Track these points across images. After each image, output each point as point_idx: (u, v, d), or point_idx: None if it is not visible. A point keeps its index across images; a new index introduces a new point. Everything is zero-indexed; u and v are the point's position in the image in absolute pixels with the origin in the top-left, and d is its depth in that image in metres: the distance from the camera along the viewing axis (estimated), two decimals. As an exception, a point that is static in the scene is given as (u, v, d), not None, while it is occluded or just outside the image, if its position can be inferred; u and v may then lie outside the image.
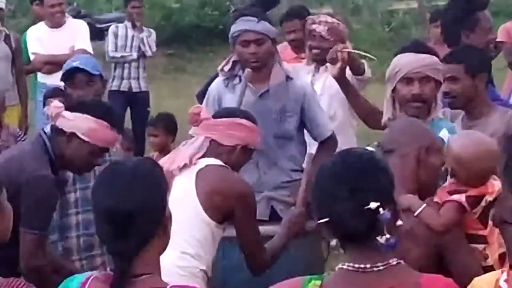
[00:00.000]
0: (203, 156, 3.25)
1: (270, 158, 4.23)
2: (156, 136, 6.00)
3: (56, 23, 7.44)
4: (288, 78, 4.32)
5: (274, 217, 4.11)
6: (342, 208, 1.99)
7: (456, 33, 4.25)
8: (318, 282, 2.06)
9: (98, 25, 8.18)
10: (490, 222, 2.99)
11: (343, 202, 1.99)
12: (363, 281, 2.02)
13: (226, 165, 3.24)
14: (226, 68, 4.32)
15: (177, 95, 10.12)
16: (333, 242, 3.37)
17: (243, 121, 3.37)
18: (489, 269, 2.88)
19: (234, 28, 4.31)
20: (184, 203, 3.06)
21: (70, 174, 3.80)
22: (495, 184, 2.99)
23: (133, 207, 2.04)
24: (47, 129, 3.41)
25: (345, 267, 2.04)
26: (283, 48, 6.36)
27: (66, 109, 3.30)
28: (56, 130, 3.30)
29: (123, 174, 2.13)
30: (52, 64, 7.08)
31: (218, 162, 3.21)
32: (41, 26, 7.52)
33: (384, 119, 3.67)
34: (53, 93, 5.61)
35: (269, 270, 3.44)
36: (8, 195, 2.41)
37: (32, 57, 7.28)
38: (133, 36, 7.87)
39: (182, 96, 8.43)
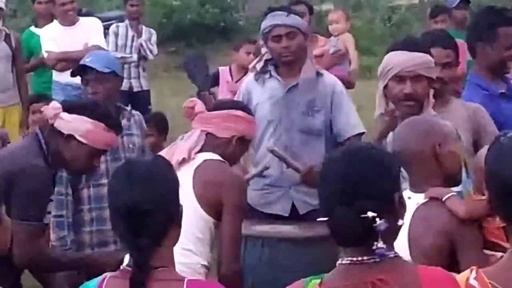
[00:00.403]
0: (201, 149, 3.25)
1: (294, 153, 4.16)
2: (151, 135, 6.00)
3: (69, 21, 7.42)
4: (318, 73, 4.31)
5: (294, 215, 4.10)
6: (340, 213, 2.01)
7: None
8: (318, 281, 2.08)
9: (105, 23, 8.10)
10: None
11: (342, 207, 2.01)
12: (361, 273, 2.04)
13: (223, 159, 3.24)
14: (259, 67, 4.31)
15: (179, 93, 10.03)
16: None
17: (239, 112, 3.37)
18: None
19: (265, 24, 4.30)
20: (183, 200, 3.01)
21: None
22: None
23: (151, 204, 2.08)
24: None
25: (343, 262, 2.06)
26: None
27: (64, 110, 3.29)
28: (53, 132, 3.29)
29: (139, 172, 2.16)
30: (65, 61, 7.05)
31: (216, 156, 3.22)
32: (55, 25, 7.49)
33: (377, 113, 3.68)
34: (38, 99, 5.62)
35: (292, 270, 3.44)
36: (1, 189, 2.40)
37: (45, 55, 7.23)
38: (133, 36, 7.88)
39: (183, 94, 8.40)
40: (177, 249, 2.97)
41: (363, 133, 4.41)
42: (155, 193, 2.13)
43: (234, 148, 3.32)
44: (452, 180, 3.01)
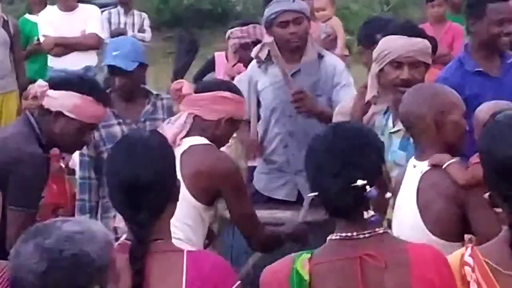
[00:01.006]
0: (189, 132, 3.21)
1: (300, 139, 4.13)
2: None
3: (69, 7, 7.44)
4: (319, 55, 4.29)
5: (300, 201, 4.04)
6: (330, 184, 2.05)
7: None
8: (308, 255, 2.09)
9: (101, 9, 8.10)
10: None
11: (332, 178, 2.05)
12: (349, 248, 2.06)
13: (211, 142, 3.20)
14: (263, 56, 4.28)
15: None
16: None
17: (226, 93, 3.31)
18: None
19: (270, 10, 4.25)
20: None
21: (103, 157, 3.81)
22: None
23: (151, 178, 2.11)
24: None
25: (333, 237, 2.10)
26: None
27: (51, 87, 3.25)
28: (43, 111, 3.26)
29: (138, 146, 2.19)
30: (62, 46, 7.12)
31: (203, 140, 3.18)
32: (53, 9, 7.54)
33: (369, 96, 3.66)
34: (31, 84, 5.60)
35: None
36: None
37: (42, 39, 7.26)
38: (125, 23, 7.86)
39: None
40: None
41: None
42: (154, 168, 2.14)
43: (223, 130, 3.28)
44: (455, 150, 3.00)
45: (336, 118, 3.51)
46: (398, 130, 3.41)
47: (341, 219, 2.11)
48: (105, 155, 3.81)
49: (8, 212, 3.04)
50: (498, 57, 4.16)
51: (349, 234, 2.07)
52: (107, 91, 4.19)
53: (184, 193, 3.06)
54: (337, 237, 2.09)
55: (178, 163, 3.04)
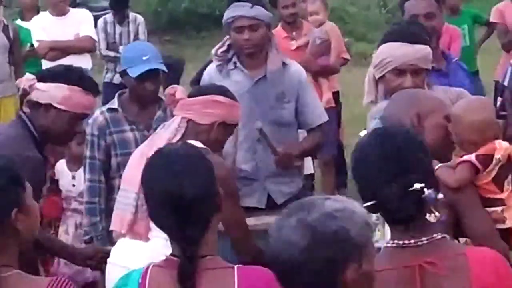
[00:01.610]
0: (183, 137, 3.19)
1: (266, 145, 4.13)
2: None
3: (60, 12, 7.47)
4: (284, 64, 4.24)
5: (271, 206, 4.08)
6: (388, 191, 2.03)
7: None
8: None
9: (94, 13, 8.10)
10: (508, 186, 3.00)
11: (388, 185, 2.03)
12: (408, 255, 2.05)
13: (206, 146, 3.12)
14: (220, 51, 4.21)
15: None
16: None
17: (219, 97, 3.29)
18: (507, 231, 2.91)
19: (228, 14, 4.19)
20: None
21: (114, 162, 3.87)
22: (504, 144, 3.02)
23: (195, 191, 2.09)
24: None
25: (389, 245, 2.09)
26: (275, 32, 6.42)
27: (39, 80, 3.25)
28: (33, 104, 3.26)
29: (179, 160, 2.17)
30: (56, 50, 7.16)
31: (198, 144, 3.08)
32: (46, 15, 7.57)
33: (366, 101, 3.65)
34: None
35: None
36: None
37: (36, 45, 7.29)
38: (121, 33, 7.84)
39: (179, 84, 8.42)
40: (162, 240, 2.81)
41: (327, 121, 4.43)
42: (199, 182, 2.13)
43: (217, 134, 3.25)
44: (438, 153, 2.91)
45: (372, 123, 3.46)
46: None
47: (397, 226, 2.09)
48: (117, 159, 3.89)
49: None
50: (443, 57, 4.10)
51: (407, 241, 2.06)
52: (119, 94, 4.21)
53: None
54: (393, 245, 2.08)
55: None
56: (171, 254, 2.11)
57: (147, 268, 2.12)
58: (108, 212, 3.83)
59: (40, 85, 3.23)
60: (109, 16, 8.02)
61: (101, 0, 11.60)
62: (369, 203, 2.05)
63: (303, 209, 1.72)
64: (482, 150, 2.91)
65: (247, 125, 3.89)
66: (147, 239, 3.13)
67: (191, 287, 2.02)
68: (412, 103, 2.92)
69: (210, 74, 4.29)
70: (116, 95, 4.19)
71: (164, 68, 4.12)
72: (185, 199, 2.07)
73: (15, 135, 3.23)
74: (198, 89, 3.59)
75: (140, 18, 8.20)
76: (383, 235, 2.79)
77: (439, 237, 2.08)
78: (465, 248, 2.18)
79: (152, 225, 3.08)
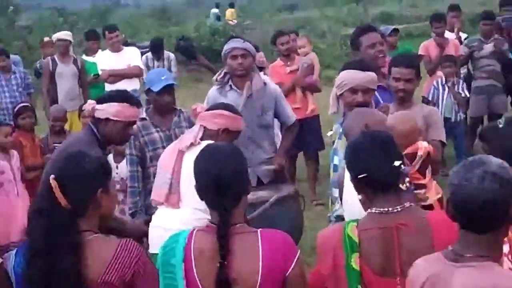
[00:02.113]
0: (202, 138, 3.21)
1: (256, 142, 4.21)
2: None
3: (116, 49, 7.47)
4: (265, 83, 4.28)
5: (260, 184, 4.10)
6: (379, 166, 2.06)
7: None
8: (354, 224, 2.07)
9: (140, 50, 8.10)
10: (428, 174, 3.05)
11: (380, 162, 2.06)
12: (387, 219, 2.03)
13: None
14: (219, 78, 4.26)
15: (196, 100, 9.82)
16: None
17: (223, 111, 3.32)
18: (429, 207, 2.96)
19: (226, 46, 4.25)
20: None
21: (147, 156, 3.83)
22: (424, 144, 3.06)
23: (231, 176, 2.04)
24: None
25: (373, 211, 2.07)
26: (275, 63, 6.63)
27: (98, 102, 3.27)
28: (96, 120, 3.28)
29: (220, 152, 2.14)
30: (114, 76, 7.14)
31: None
32: (106, 52, 7.56)
33: (331, 111, 3.63)
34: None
35: (272, 219, 3.40)
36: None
37: (100, 72, 7.28)
38: (158, 67, 7.72)
39: (199, 101, 8.39)
40: (190, 209, 3.01)
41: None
42: (234, 167, 2.08)
43: (222, 138, 3.23)
44: None
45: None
46: None
47: (380, 196, 2.08)
48: (149, 154, 3.84)
49: None
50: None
51: (386, 209, 2.04)
52: (146, 108, 4.22)
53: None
54: (377, 211, 2.06)
55: None
56: (211, 222, 2.05)
57: (193, 230, 2.07)
58: (145, 193, 3.82)
59: (99, 106, 3.25)
60: (149, 54, 7.96)
61: (144, 41, 11.54)
62: (361, 176, 2.06)
63: (482, 163, 1.65)
64: (409, 150, 2.94)
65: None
66: (178, 207, 3.12)
67: (225, 245, 1.95)
68: (363, 117, 2.90)
69: (213, 95, 4.30)
70: (144, 109, 4.20)
71: (176, 83, 4.11)
72: (222, 181, 2.03)
73: (86, 139, 3.25)
74: (211, 105, 3.57)
75: (172, 55, 8.11)
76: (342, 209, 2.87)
77: (408, 205, 2.07)
78: (427, 213, 2.16)
79: (181, 197, 3.13)
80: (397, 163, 2.07)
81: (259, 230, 2.04)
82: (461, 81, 6.59)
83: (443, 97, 6.49)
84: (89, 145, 3.16)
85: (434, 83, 6.61)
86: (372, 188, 2.08)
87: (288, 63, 6.40)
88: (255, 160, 4.13)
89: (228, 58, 4.20)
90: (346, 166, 2.19)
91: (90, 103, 3.29)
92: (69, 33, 7.61)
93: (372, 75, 3.39)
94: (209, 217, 3.05)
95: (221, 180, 2.02)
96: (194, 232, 2.05)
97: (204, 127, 3.25)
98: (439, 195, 3.11)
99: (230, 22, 21.80)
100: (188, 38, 7.54)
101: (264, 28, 19.16)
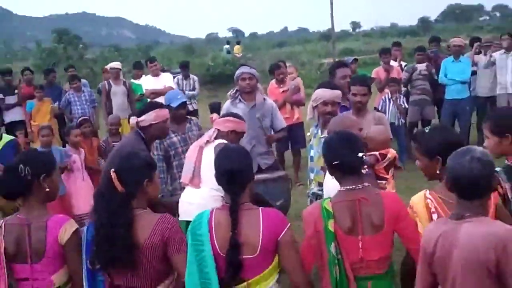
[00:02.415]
0: (216, 137, 3.18)
1: (257, 139, 4.15)
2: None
3: (156, 75, 7.40)
4: (264, 99, 4.25)
5: (259, 170, 4.05)
6: (349, 156, 2.03)
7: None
8: (328, 199, 2.06)
9: (173, 75, 8.08)
10: (391, 173, 2.98)
11: (350, 153, 2.04)
12: (351, 194, 2.02)
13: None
14: (231, 93, 4.24)
15: (207, 110, 9.91)
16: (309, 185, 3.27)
17: (231, 118, 3.28)
18: None
19: (238, 71, 4.23)
20: (210, 163, 2.95)
21: (171, 154, 3.71)
22: (393, 151, 2.99)
23: (239, 169, 2.02)
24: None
25: (342, 189, 2.05)
26: (271, 84, 6.57)
27: (140, 115, 3.23)
28: (141, 127, 3.21)
29: (233, 152, 2.11)
30: (155, 94, 7.03)
31: (224, 141, 3.11)
32: (149, 77, 7.47)
33: (308, 117, 3.65)
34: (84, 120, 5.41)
35: (272, 193, 3.38)
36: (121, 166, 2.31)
37: (144, 91, 7.21)
38: (185, 85, 7.68)
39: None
40: (208, 189, 2.96)
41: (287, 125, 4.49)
42: (243, 163, 2.06)
43: (231, 137, 3.19)
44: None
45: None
46: (325, 136, 3.34)
47: (347, 177, 2.06)
48: (172, 153, 3.73)
49: None
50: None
51: (351, 187, 2.03)
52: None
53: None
54: (345, 189, 2.04)
55: (213, 151, 2.99)
56: (225, 202, 2.04)
57: (213, 210, 2.05)
58: (171, 181, 3.76)
59: (140, 118, 3.20)
60: (179, 76, 7.91)
61: (176, 68, 11.54)
62: (334, 162, 2.05)
63: (470, 151, 1.73)
64: (382, 151, 2.90)
65: (249, 130, 3.85)
66: (199, 187, 3.09)
67: (236, 218, 1.94)
68: (341, 123, 2.90)
69: (227, 105, 4.28)
70: None
71: (196, 98, 4.07)
72: (234, 171, 2.02)
73: (135, 140, 3.21)
74: (223, 115, 3.54)
75: (195, 77, 8.03)
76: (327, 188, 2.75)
77: (367, 184, 2.06)
78: (379, 191, 2.13)
79: (201, 180, 3.08)
80: (360, 154, 2.04)
81: (260, 208, 2.02)
82: (402, 96, 6.57)
83: (389, 107, 6.47)
84: (138, 143, 3.14)
85: (383, 97, 6.59)
86: (342, 172, 2.06)
87: (281, 85, 6.39)
88: (256, 152, 4.08)
89: (239, 79, 4.16)
90: (323, 156, 2.15)
91: (133, 119, 3.24)
92: (119, 63, 7.51)
93: (337, 92, 3.38)
94: (221, 194, 3.03)
95: (232, 173, 2.00)
96: (214, 210, 2.04)
97: (218, 130, 3.22)
98: (393, 190, 3.04)
99: (237, 55, 21.77)
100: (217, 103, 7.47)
101: (262, 59, 19.20)
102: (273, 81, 6.55)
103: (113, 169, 2.03)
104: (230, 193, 2.00)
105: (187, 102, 4.87)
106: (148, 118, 3.20)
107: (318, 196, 3.15)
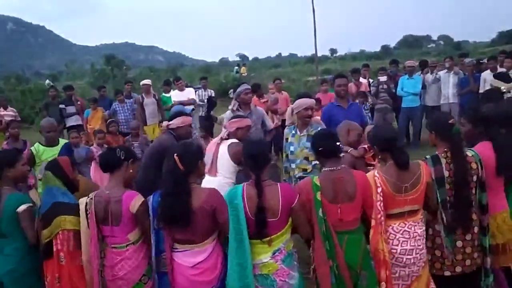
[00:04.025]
0: (228, 137, 3.09)
1: (256, 136, 3.95)
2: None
3: (181, 89, 7.30)
4: (256, 107, 4.14)
5: None
6: (331, 144, 2.09)
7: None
8: (317, 176, 2.10)
9: (194, 89, 8.04)
10: (376, 161, 2.91)
11: (333, 143, 2.10)
12: (332, 173, 2.07)
13: (238, 140, 3.04)
14: (235, 107, 4.04)
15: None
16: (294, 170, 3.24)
17: (234, 119, 3.17)
18: None
19: (241, 88, 4.07)
20: (224, 157, 2.95)
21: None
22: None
23: (261, 154, 2.08)
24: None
25: (325, 169, 2.10)
26: (254, 99, 6.35)
27: (169, 120, 3.20)
28: (172, 129, 3.19)
29: (256, 142, 2.17)
30: (181, 104, 6.88)
31: (235, 140, 3.05)
32: (176, 91, 7.36)
33: (288, 122, 3.61)
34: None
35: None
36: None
37: (173, 102, 7.10)
38: (204, 95, 7.65)
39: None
40: (221, 177, 2.89)
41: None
42: (264, 149, 2.12)
43: (238, 133, 3.07)
44: (355, 145, 2.92)
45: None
46: (304, 135, 3.29)
47: (330, 160, 2.10)
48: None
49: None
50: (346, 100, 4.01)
51: (333, 168, 2.09)
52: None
53: (229, 160, 2.94)
54: (327, 169, 2.10)
55: (227, 147, 2.96)
56: (252, 179, 2.07)
57: (244, 185, 2.09)
58: None
59: (171, 122, 3.19)
60: (200, 91, 7.85)
61: (197, 84, 11.50)
62: (321, 149, 2.10)
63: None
64: (366, 145, 2.88)
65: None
66: (215, 176, 3.02)
67: (261, 190, 2.00)
68: (345, 125, 2.95)
69: (226, 115, 4.13)
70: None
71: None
72: (257, 157, 2.06)
73: (169, 138, 3.17)
74: (229, 119, 3.44)
75: (212, 91, 8.02)
76: (318, 170, 2.73)
77: (343, 166, 2.12)
78: (352, 170, 2.17)
79: (218, 170, 2.99)
80: (338, 143, 2.12)
81: (278, 184, 2.07)
82: (367, 104, 6.54)
83: (359, 114, 6.48)
84: (171, 141, 3.12)
85: (354, 106, 6.56)
86: (325, 157, 2.12)
87: (261, 99, 6.40)
88: None
89: (242, 94, 4.04)
90: (311, 145, 2.21)
91: (165, 123, 3.23)
92: (149, 80, 7.41)
93: (313, 100, 3.38)
94: (232, 181, 2.95)
95: (256, 157, 2.05)
96: (244, 185, 2.09)
97: (228, 130, 3.17)
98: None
99: (243, 74, 21.72)
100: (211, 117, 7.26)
101: (262, 77, 19.08)
102: (254, 96, 6.48)
103: (176, 153, 2.08)
104: (255, 172, 2.06)
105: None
106: (176, 122, 3.19)
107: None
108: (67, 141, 4.23)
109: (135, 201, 2.16)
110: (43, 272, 2.24)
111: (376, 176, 2.11)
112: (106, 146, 4.76)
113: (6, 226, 2.29)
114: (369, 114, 6.50)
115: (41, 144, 3.87)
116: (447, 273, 2.23)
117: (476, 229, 2.23)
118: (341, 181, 2.05)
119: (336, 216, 2.04)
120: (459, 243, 2.21)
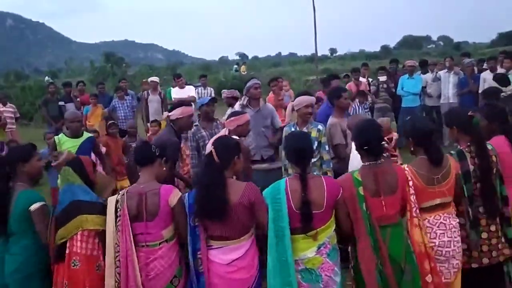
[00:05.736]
0: (228, 134, 3.05)
1: (261, 135, 4.03)
2: None
3: (181, 87, 7.29)
4: (266, 104, 4.16)
5: (262, 159, 3.98)
6: (376, 142, 2.06)
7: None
8: (357, 171, 2.09)
9: (194, 87, 8.03)
10: (397, 150, 3.07)
11: (376, 140, 2.07)
12: (374, 167, 2.06)
13: (237, 137, 2.98)
14: (243, 102, 4.10)
15: (224, 113, 9.75)
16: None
17: (232, 117, 3.17)
18: None
19: (251, 82, 4.10)
20: None
21: (201, 146, 3.57)
22: (394, 133, 3.07)
23: (306, 148, 2.08)
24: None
25: (366, 164, 2.08)
26: (270, 95, 6.41)
27: (169, 111, 3.19)
28: (172, 121, 3.19)
29: (300, 136, 2.17)
30: (181, 101, 6.94)
31: (236, 137, 2.98)
32: (176, 88, 7.34)
33: (287, 120, 3.67)
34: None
35: (273, 176, 3.25)
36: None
37: (173, 99, 7.07)
38: (204, 93, 7.63)
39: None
40: None
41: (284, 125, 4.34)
42: (307, 144, 2.10)
43: (238, 129, 3.06)
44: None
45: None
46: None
47: (371, 156, 2.08)
48: (201, 144, 3.60)
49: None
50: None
51: (373, 162, 2.07)
52: (198, 120, 4.03)
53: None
54: (368, 164, 2.08)
55: None
56: (296, 173, 2.06)
57: (286, 179, 2.08)
58: (200, 164, 3.64)
59: (171, 113, 3.19)
60: (199, 89, 7.84)
61: (197, 82, 11.48)
62: (365, 148, 2.08)
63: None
64: (388, 136, 3.01)
65: (253, 129, 3.79)
66: None
67: (305, 185, 1.99)
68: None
69: (237, 108, 4.22)
70: (197, 120, 4.06)
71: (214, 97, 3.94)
72: (302, 149, 2.05)
73: (170, 132, 3.17)
74: (229, 115, 3.44)
75: (212, 89, 7.99)
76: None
77: (383, 160, 2.11)
78: (395, 165, 2.18)
79: None
80: (383, 143, 2.14)
81: (322, 177, 2.10)
82: (367, 103, 6.53)
83: (358, 111, 6.44)
84: (171, 134, 3.12)
85: (353, 105, 6.52)
86: (367, 152, 2.10)
87: (278, 97, 6.32)
88: (259, 145, 3.99)
89: (251, 88, 4.04)
90: (353, 141, 2.16)
91: (165, 114, 3.27)
92: (157, 77, 7.51)
93: (313, 98, 3.45)
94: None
95: (301, 151, 2.04)
96: (287, 179, 2.07)
97: (228, 128, 3.17)
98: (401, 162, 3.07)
99: (243, 72, 21.69)
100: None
101: (261, 76, 18.98)
102: (271, 92, 6.46)
103: (212, 146, 2.07)
104: (299, 165, 2.05)
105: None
106: (176, 113, 3.18)
107: None
108: (91, 135, 4.17)
109: (174, 195, 2.10)
110: (51, 276, 2.07)
111: (406, 170, 2.12)
112: (103, 147, 4.64)
113: (16, 224, 2.15)
114: (369, 113, 6.49)
115: (66, 135, 3.81)
116: (474, 265, 2.23)
117: (498, 220, 2.26)
118: (383, 173, 2.04)
119: (381, 210, 2.02)
120: (484, 235, 2.23)
